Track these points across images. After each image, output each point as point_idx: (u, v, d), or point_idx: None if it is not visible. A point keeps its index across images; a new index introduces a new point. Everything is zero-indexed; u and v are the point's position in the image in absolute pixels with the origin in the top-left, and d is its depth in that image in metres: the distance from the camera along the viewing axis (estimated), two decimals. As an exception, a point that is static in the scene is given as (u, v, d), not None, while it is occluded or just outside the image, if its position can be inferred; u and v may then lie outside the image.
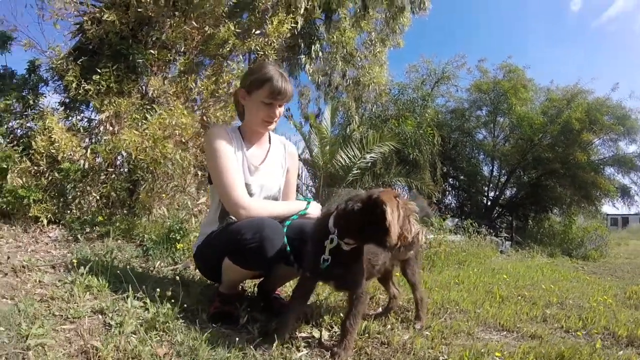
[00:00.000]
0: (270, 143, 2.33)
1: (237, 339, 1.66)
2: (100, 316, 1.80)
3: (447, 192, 18.14)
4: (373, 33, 10.63)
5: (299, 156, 11.88)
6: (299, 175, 12.46)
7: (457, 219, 11.76)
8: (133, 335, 1.54)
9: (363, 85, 11.06)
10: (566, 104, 15.01)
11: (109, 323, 1.70)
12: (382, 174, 12.61)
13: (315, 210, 2.22)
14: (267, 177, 2.21)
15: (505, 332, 2.47)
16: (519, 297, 3.59)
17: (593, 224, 13.57)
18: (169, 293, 1.86)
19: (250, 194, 2.09)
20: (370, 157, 10.78)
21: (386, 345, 1.92)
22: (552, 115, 15.12)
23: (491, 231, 9.97)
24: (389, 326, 2.17)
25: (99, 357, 1.38)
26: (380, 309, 2.62)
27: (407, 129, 13.18)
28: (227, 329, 1.78)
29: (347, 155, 10.59)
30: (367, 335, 2.02)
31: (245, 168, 2.13)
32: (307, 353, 1.68)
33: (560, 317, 2.92)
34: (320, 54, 8.97)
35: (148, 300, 1.86)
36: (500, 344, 2.16)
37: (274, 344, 1.63)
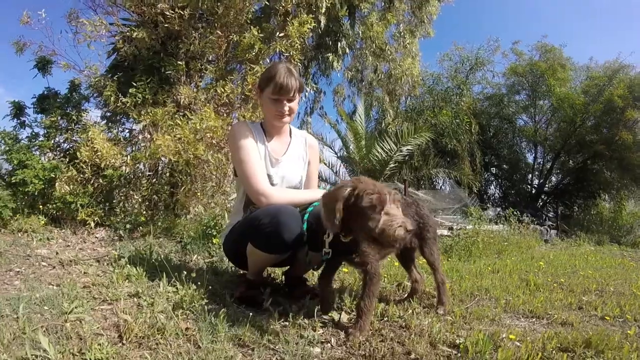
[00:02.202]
0: (291, 137, 2.48)
1: (256, 318, 1.80)
2: (135, 299, 2.01)
3: (490, 182, 17.73)
4: (401, 25, 10.57)
5: (336, 153, 11.96)
6: (336, 171, 12.63)
7: (498, 209, 11.50)
8: (162, 313, 1.71)
9: (395, 78, 11.02)
10: (607, 81, 14.40)
11: (142, 304, 1.91)
12: (420, 166, 12.51)
13: None
14: (289, 169, 2.37)
15: (534, 319, 2.42)
16: (555, 285, 3.51)
17: (645, 208, 12.91)
18: (194, 276, 2.03)
19: (272, 184, 2.25)
20: (407, 149, 10.68)
21: (404, 329, 1.95)
22: (594, 94, 14.54)
23: (534, 220, 9.70)
24: (411, 311, 2.20)
25: (128, 329, 1.56)
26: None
27: (442, 119, 13.01)
28: (250, 310, 1.92)
29: (383, 149, 10.53)
30: (386, 318, 2.08)
31: (267, 160, 2.30)
32: (322, 333, 1.78)
33: (597, 304, 2.84)
34: (348, 50, 9.02)
35: (179, 285, 2.06)
36: (525, 329, 2.12)
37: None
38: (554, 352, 1.75)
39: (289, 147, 2.44)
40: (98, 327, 1.64)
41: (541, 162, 16.98)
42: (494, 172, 17.64)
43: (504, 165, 17.18)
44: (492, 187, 17.90)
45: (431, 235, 2.41)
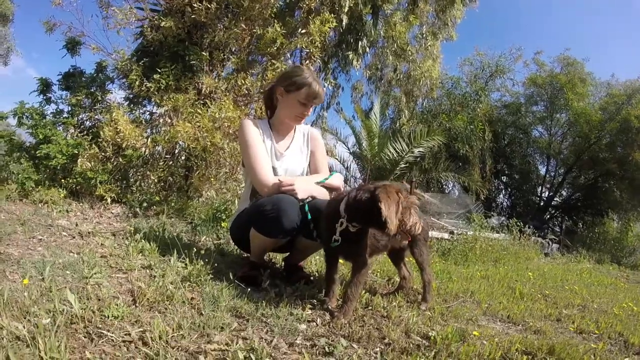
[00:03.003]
0: (294, 132, 2.73)
1: (254, 295, 2.04)
2: (148, 270, 2.26)
3: (500, 190, 17.75)
4: (424, 26, 10.60)
5: (349, 149, 12.07)
6: (347, 167, 12.81)
7: (503, 218, 11.57)
8: (171, 284, 1.95)
9: (414, 79, 11.08)
10: (626, 100, 14.27)
11: (154, 275, 2.15)
12: (430, 168, 12.61)
13: (336, 180, 2.58)
14: (291, 162, 2.62)
15: (510, 324, 2.52)
16: (540, 296, 3.60)
17: (651, 231, 12.81)
18: (202, 253, 2.26)
19: (277, 176, 2.47)
20: (419, 151, 10.80)
21: (385, 318, 2.13)
22: (611, 111, 14.46)
23: (536, 232, 9.76)
24: (394, 304, 2.37)
25: (141, 294, 1.79)
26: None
27: (457, 124, 13.08)
28: (250, 288, 2.13)
29: (395, 149, 10.65)
30: (370, 308, 2.26)
31: (272, 154, 2.55)
32: (310, 313, 1.98)
33: (576, 318, 2.89)
34: (368, 49, 9.13)
35: (187, 261, 2.30)
36: (498, 331, 2.23)
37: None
38: (517, 353, 1.87)
39: (292, 142, 2.68)
40: (114, 292, 1.87)
41: (553, 175, 16.94)
42: (504, 180, 17.65)
43: (515, 175, 17.17)
44: (502, 195, 17.94)
45: (421, 237, 2.55)
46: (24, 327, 1.35)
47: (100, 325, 1.49)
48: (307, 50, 5.47)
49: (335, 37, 8.58)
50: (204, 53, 5.02)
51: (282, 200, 2.19)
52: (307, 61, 5.39)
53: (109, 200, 4.44)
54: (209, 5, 4.82)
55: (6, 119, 4.83)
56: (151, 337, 1.43)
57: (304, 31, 5.42)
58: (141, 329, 1.50)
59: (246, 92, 5.22)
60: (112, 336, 1.43)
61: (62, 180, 4.55)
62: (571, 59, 15.42)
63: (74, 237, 2.99)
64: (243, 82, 5.04)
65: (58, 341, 1.28)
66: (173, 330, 1.52)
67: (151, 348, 1.38)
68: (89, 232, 3.12)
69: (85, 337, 1.42)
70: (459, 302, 2.82)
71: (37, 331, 1.31)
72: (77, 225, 3.38)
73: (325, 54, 8.14)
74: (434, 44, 10.91)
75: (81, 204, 4.34)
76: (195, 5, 4.79)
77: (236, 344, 1.48)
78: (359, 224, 2.01)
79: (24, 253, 2.36)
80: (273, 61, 5.06)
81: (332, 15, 5.51)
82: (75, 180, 4.52)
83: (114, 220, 3.97)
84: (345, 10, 6.51)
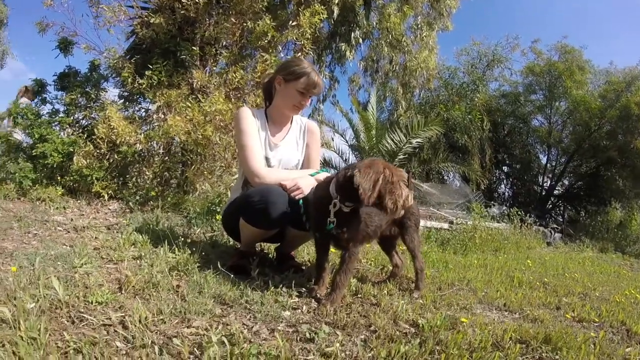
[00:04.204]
0: (291, 123, 2.71)
1: (241, 283, 2.04)
2: (138, 261, 2.28)
3: (501, 180, 17.67)
4: (419, 17, 10.57)
5: (347, 141, 12.01)
6: (346, 159, 12.78)
7: (504, 207, 11.53)
8: (159, 273, 1.97)
9: (410, 70, 11.03)
10: (626, 87, 14.06)
11: (143, 265, 2.17)
12: (429, 159, 12.55)
13: (323, 177, 2.52)
14: (286, 153, 2.60)
15: (506, 313, 2.42)
16: (539, 284, 3.47)
17: (656, 220, 12.59)
18: (189, 242, 2.27)
19: (270, 166, 2.50)
20: (417, 142, 10.68)
21: (374, 306, 2.09)
22: (611, 99, 14.23)
23: (537, 221, 9.71)
24: (386, 292, 2.34)
25: (128, 282, 1.82)
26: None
27: (455, 114, 13.02)
28: (238, 277, 2.15)
29: (393, 140, 10.55)
30: (360, 295, 2.23)
31: (266, 144, 2.54)
32: (296, 300, 1.98)
33: (576, 306, 2.76)
34: (362, 40, 9.11)
35: (177, 251, 2.32)
36: (490, 319, 2.13)
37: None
38: (510, 342, 1.79)
39: (288, 133, 2.66)
40: (102, 280, 1.89)
41: (554, 164, 16.78)
42: (505, 170, 17.56)
43: (516, 165, 17.05)
44: (503, 185, 17.85)
45: (412, 224, 2.54)
46: (9, 310, 1.36)
47: (82, 310, 1.52)
48: (299, 43, 5.46)
49: (328, 29, 8.56)
50: (195, 48, 5.04)
51: (271, 191, 2.19)
52: (299, 53, 5.37)
53: (106, 196, 4.48)
54: (197, 1, 4.81)
55: (3, 119, 4.89)
56: (131, 321, 1.45)
57: (294, 23, 5.40)
58: (122, 314, 1.52)
59: (238, 85, 5.22)
60: (93, 320, 1.45)
61: (59, 178, 4.59)
62: (569, 46, 15.25)
63: (68, 232, 3.03)
64: (234, 75, 5.04)
65: (39, 323, 1.30)
66: (153, 315, 1.54)
67: (130, 331, 1.40)
68: (83, 227, 3.16)
69: (67, 320, 1.45)
70: (454, 290, 2.75)
71: (20, 314, 1.33)
72: (72, 220, 3.41)
73: (319, 47, 8.13)
74: (430, 35, 10.85)
75: (78, 201, 4.39)
76: (184, 1, 4.80)
77: (216, 329, 1.49)
78: (352, 203, 1.99)
79: (18, 246, 2.41)
80: (264, 54, 5.05)
81: (323, 7, 5.49)
82: (72, 178, 4.56)
83: (110, 215, 4.01)
84: (336, 2, 6.50)
